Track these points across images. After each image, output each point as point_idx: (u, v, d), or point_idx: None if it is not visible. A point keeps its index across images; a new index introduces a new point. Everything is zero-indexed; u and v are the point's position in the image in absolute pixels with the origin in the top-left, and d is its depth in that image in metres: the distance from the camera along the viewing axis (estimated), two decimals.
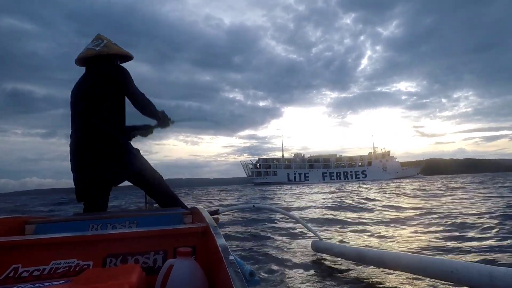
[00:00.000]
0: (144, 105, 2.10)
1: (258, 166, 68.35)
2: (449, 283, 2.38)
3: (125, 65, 2.20)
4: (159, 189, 2.09)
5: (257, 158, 71.29)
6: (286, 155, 73.02)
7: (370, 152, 69.96)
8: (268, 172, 67.39)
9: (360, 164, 67.63)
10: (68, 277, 0.96)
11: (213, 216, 1.28)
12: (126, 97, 2.05)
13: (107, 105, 1.95)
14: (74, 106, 1.99)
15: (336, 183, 43.61)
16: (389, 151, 67.93)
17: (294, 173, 67.53)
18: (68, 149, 1.97)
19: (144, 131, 2.27)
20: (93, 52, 2.00)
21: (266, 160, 69.75)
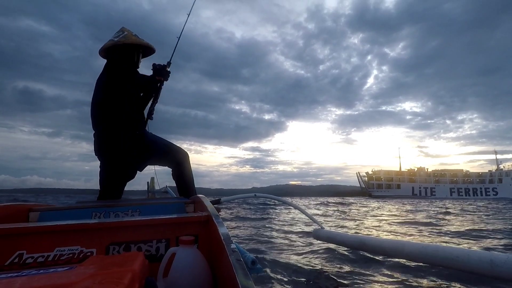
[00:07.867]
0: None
1: (376, 178, 64.24)
2: (452, 270, 2.40)
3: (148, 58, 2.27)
4: (178, 171, 2.16)
5: (370, 170, 66.56)
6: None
7: (491, 170, 64.51)
8: (391, 185, 63.18)
9: (489, 180, 62.28)
10: (72, 263, 0.97)
11: (215, 206, 1.28)
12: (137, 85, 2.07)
13: (118, 94, 1.95)
14: (93, 96, 2.01)
15: (464, 199, 39.27)
16: None
17: (420, 187, 62.60)
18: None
19: (154, 97, 2.21)
20: (112, 42, 2.02)
21: (388, 172, 65.46)
